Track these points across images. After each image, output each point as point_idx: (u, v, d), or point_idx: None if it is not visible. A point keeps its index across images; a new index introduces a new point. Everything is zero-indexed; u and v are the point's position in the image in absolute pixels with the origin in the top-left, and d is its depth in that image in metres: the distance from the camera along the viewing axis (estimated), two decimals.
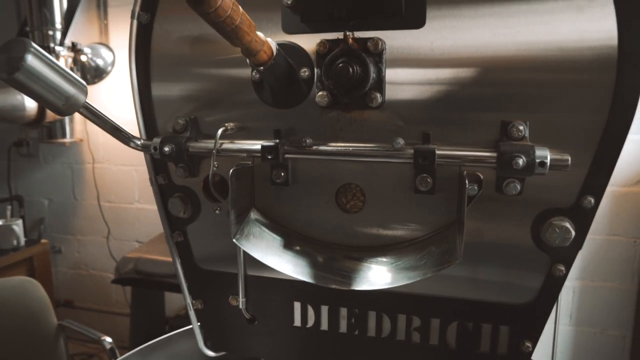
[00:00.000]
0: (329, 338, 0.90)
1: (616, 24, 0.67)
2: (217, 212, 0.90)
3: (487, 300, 0.81)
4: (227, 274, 0.93)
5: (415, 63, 0.75)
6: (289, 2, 0.78)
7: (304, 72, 0.79)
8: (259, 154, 0.80)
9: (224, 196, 0.87)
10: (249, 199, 0.87)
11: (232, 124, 0.84)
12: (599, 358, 2.70)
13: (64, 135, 3.11)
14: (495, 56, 0.72)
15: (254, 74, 0.81)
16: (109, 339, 1.82)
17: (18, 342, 1.89)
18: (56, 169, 3.47)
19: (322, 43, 0.76)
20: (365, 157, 0.78)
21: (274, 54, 0.73)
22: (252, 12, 0.78)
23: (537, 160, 0.69)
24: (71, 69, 3.01)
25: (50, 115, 2.85)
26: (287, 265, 0.82)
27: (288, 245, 0.85)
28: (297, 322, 0.91)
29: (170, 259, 0.98)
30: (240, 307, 0.93)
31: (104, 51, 3.05)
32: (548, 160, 0.69)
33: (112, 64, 3.06)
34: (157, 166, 0.92)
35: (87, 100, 0.74)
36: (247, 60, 0.72)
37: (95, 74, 3.02)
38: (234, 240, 0.81)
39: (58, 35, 2.94)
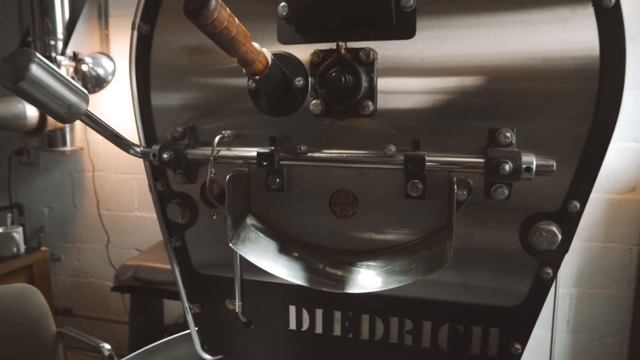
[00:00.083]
0: (324, 341, 0.92)
1: (597, 35, 0.70)
2: (214, 217, 0.93)
3: (477, 303, 0.83)
4: (224, 278, 0.95)
5: (405, 72, 0.77)
6: (284, 14, 0.81)
7: (299, 81, 0.81)
8: (255, 161, 0.82)
9: (221, 202, 0.89)
10: (245, 204, 0.89)
11: (229, 132, 0.87)
12: None
13: (64, 144, 3.13)
14: (483, 65, 0.74)
15: (250, 83, 0.83)
16: (107, 346, 1.83)
17: (17, 348, 1.90)
18: (56, 177, 3.48)
19: (316, 53, 0.79)
20: (357, 163, 0.80)
21: (269, 63, 0.75)
22: (249, 23, 0.80)
23: (524, 166, 0.71)
24: (72, 78, 3.04)
25: (51, 123, 2.88)
26: (282, 269, 0.84)
27: (283, 249, 0.87)
28: (293, 325, 0.93)
29: (169, 267, 1.00)
30: (237, 310, 0.95)
31: (104, 60, 3.08)
32: (534, 166, 0.71)
33: (113, 73, 3.09)
34: (156, 173, 0.95)
35: (88, 109, 0.76)
36: (243, 70, 0.75)
37: (96, 83, 3.05)
38: (230, 244, 0.83)
39: (60, 45, 2.98)
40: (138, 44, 0.90)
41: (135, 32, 0.90)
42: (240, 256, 0.90)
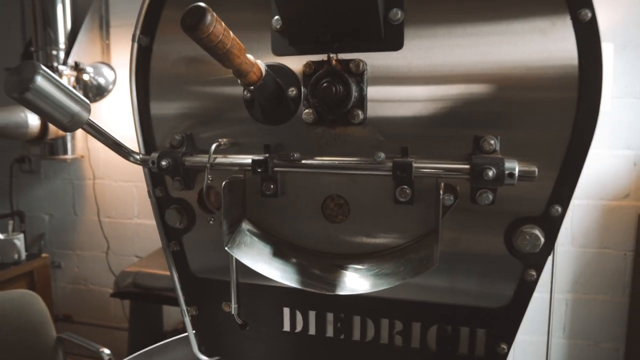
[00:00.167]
0: (317, 342, 0.95)
1: (576, 46, 0.73)
2: (211, 222, 0.96)
3: (464, 305, 0.86)
4: (221, 281, 0.97)
5: (394, 82, 0.81)
6: (278, 27, 0.84)
7: (292, 91, 0.85)
8: (250, 168, 0.85)
9: (217, 207, 0.92)
10: (241, 210, 0.92)
11: (225, 140, 0.90)
12: None
13: (65, 152, 3.17)
14: (468, 75, 0.78)
15: (245, 93, 0.86)
16: (107, 351, 1.85)
17: (18, 354, 1.92)
18: (57, 185, 3.52)
19: (308, 64, 0.82)
20: (348, 170, 0.84)
21: (263, 74, 0.79)
22: (245, 35, 0.84)
23: (507, 172, 0.74)
24: (74, 87, 3.09)
25: (52, 132, 2.92)
26: (276, 272, 0.87)
27: (277, 253, 0.90)
28: (287, 327, 0.96)
29: (168, 273, 1.02)
30: (233, 313, 0.97)
31: (105, 70, 3.13)
32: (516, 172, 0.74)
33: (114, 82, 3.13)
34: (155, 179, 0.98)
35: (90, 118, 0.79)
36: (239, 81, 0.78)
37: (97, 92, 3.10)
38: (226, 248, 0.86)
39: (62, 55, 3.02)
40: (138, 56, 0.94)
41: (136, 44, 0.93)
42: (236, 260, 0.92)
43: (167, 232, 0.99)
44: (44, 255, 3.13)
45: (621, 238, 2.57)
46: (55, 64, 2.99)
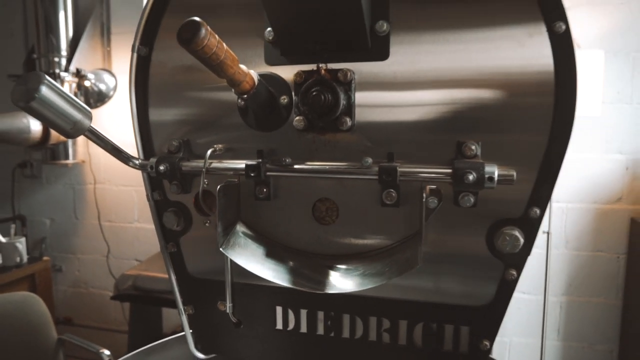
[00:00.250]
0: (308, 340, 0.98)
1: (552, 56, 0.77)
2: (207, 224, 0.99)
3: (449, 303, 0.89)
4: (216, 281, 1.01)
5: (380, 90, 0.85)
6: (270, 38, 0.88)
7: (284, 99, 0.89)
8: (244, 172, 0.89)
9: (213, 210, 0.96)
10: (235, 212, 0.96)
11: (220, 146, 0.94)
12: None
13: (66, 157, 3.21)
14: (451, 81, 0.81)
15: (239, 101, 0.90)
16: (107, 352, 1.89)
17: (19, 355, 1.95)
18: (58, 189, 3.56)
19: (299, 74, 0.86)
20: (337, 174, 0.87)
21: (256, 84, 0.83)
22: (240, 46, 0.89)
23: (487, 176, 0.77)
24: (75, 93, 3.13)
25: (54, 137, 2.96)
26: (269, 271, 0.91)
27: (270, 254, 0.94)
28: (279, 325, 0.99)
29: (167, 276, 1.06)
30: (228, 312, 1.01)
31: (106, 77, 3.18)
32: (496, 176, 0.77)
33: (114, 88, 3.18)
34: (154, 183, 1.01)
35: (91, 124, 0.84)
36: (232, 90, 0.82)
37: (98, 98, 3.14)
38: (221, 249, 0.90)
39: (63, 61, 3.07)
40: (137, 65, 0.98)
41: (135, 54, 0.97)
42: (231, 260, 0.96)
43: (165, 234, 1.03)
44: (45, 258, 3.17)
45: (614, 241, 2.61)
46: (57, 71, 3.04)
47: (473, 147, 0.81)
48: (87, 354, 2.05)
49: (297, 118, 0.87)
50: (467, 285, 0.88)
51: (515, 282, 0.86)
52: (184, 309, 1.06)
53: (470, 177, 0.77)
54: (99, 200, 3.43)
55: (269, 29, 0.88)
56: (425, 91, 0.83)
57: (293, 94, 0.88)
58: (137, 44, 0.97)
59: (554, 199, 2.61)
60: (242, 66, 0.79)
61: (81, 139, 3.23)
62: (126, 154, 0.94)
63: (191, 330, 1.07)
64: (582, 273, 2.68)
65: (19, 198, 3.61)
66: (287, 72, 0.89)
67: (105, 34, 3.21)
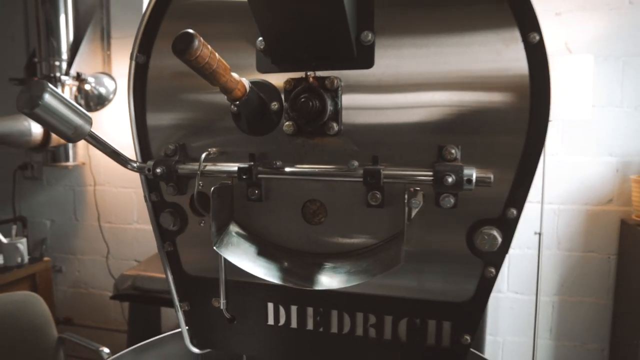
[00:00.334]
0: (298, 335, 1.02)
1: (527, 64, 0.82)
2: (201, 225, 1.04)
3: (431, 300, 0.93)
4: (210, 279, 1.05)
5: (365, 95, 0.89)
6: (262, 47, 0.93)
7: (274, 105, 0.93)
8: (237, 175, 0.93)
9: (207, 211, 1.01)
10: (229, 213, 1.00)
11: (214, 149, 0.98)
12: None
13: (67, 159, 3.26)
14: (433, 85, 0.85)
15: (232, 107, 0.95)
16: (106, 350, 1.93)
17: (21, 353, 2.00)
18: (59, 191, 3.60)
19: (288, 81, 0.90)
20: (325, 176, 0.91)
21: (247, 91, 0.87)
22: (234, 55, 0.94)
23: (465, 178, 0.82)
24: (76, 97, 3.18)
25: (54, 140, 3.00)
26: (260, 269, 0.95)
27: (261, 252, 0.98)
28: (271, 320, 1.04)
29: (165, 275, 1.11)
30: (222, 308, 1.05)
31: (106, 80, 3.22)
32: (474, 178, 0.82)
33: (114, 92, 3.22)
34: (151, 185, 1.05)
35: (91, 129, 0.88)
36: (225, 97, 0.87)
37: (98, 101, 3.19)
38: (214, 248, 0.94)
39: (64, 65, 3.12)
40: (136, 72, 1.02)
41: (133, 62, 1.02)
42: (224, 259, 1.00)
43: (162, 233, 1.07)
44: (45, 259, 3.21)
45: (605, 242, 2.66)
46: (58, 74, 3.09)
47: (453, 151, 0.85)
48: (87, 353, 2.09)
49: (287, 123, 0.92)
50: (449, 283, 0.92)
51: (494, 279, 0.90)
52: (179, 305, 1.10)
53: (450, 180, 0.82)
54: (99, 201, 3.48)
55: (260, 38, 0.92)
56: (407, 96, 0.87)
57: (283, 100, 0.92)
58: (135, 52, 1.02)
59: (546, 200, 2.66)
60: (234, 74, 0.83)
61: (81, 142, 3.27)
62: (125, 157, 0.98)
63: (187, 327, 1.11)
64: (574, 273, 2.72)
65: (19, 199, 3.65)
66: (278, 79, 0.93)
67: (105, 38, 3.26)
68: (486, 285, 0.91)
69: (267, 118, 0.94)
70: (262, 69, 0.94)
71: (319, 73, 0.90)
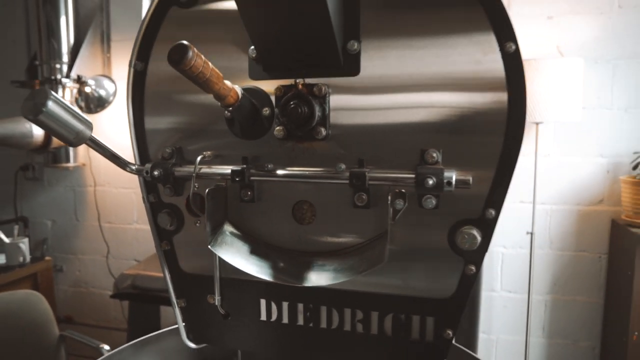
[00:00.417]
0: (290, 330, 1.07)
1: (504, 71, 0.86)
2: (197, 225, 1.08)
3: (415, 296, 0.98)
4: (206, 276, 1.09)
5: (352, 102, 0.94)
6: (254, 56, 0.97)
7: (266, 111, 0.97)
8: (230, 177, 0.97)
9: (202, 212, 1.05)
10: (223, 214, 1.05)
11: (209, 153, 1.03)
12: None
13: (67, 160, 3.30)
14: (416, 88, 0.89)
15: (226, 112, 0.99)
16: (106, 347, 1.98)
17: (23, 350, 2.04)
18: (59, 191, 3.65)
19: (279, 88, 0.95)
20: (314, 179, 0.96)
21: (240, 97, 0.91)
22: (228, 63, 0.98)
23: (445, 180, 0.86)
24: (76, 99, 3.23)
25: (55, 141, 3.05)
26: (253, 267, 1.00)
27: (254, 251, 1.02)
28: (263, 316, 1.08)
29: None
30: (217, 304, 1.10)
31: (106, 82, 3.27)
32: (453, 180, 0.86)
33: (114, 94, 3.27)
34: (149, 187, 1.10)
35: (92, 134, 0.93)
36: (219, 103, 0.91)
37: (98, 103, 3.23)
38: (209, 247, 0.99)
39: (65, 68, 3.16)
40: (134, 79, 1.06)
41: (132, 69, 1.07)
42: (219, 257, 1.05)
43: (159, 233, 1.11)
44: (47, 258, 3.26)
45: (596, 241, 2.70)
46: (58, 77, 3.14)
47: (434, 155, 0.90)
48: (87, 350, 2.14)
49: (278, 128, 0.96)
50: (432, 280, 0.96)
51: (474, 276, 0.95)
52: (176, 302, 1.14)
53: (430, 182, 0.86)
54: (99, 202, 3.53)
55: (252, 47, 0.97)
56: (391, 100, 0.91)
57: (274, 106, 0.97)
58: (133, 59, 1.06)
59: (538, 200, 2.70)
60: (227, 82, 0.88)
61: None
62: (123, 160, 1.02)
63: (183, 323, 1.16)
64: (566, 272, 2.77)
65: (21, 200, 3.70)
66: (269, 86, 0.98)
67: (105, 41, 3.30)
68: (467, 282, 0.95)
69: (259, 123, 0.99)
70: (254, 76, 0.99)
71: (308, 80, 0.94)
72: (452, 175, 0.86)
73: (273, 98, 0.97)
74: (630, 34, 2.52)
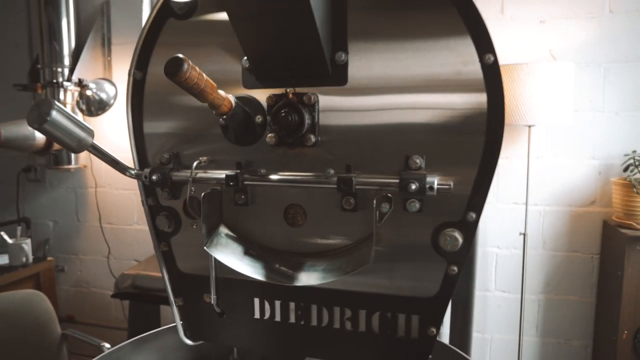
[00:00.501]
0: (282, 327, 1.12)
1: (484, 81, 0.91)
2: (194, 227, 1.12)
3: (401, 295, 1.02)
4: (202, 276, 1.14)
5: (340, 111, 0.99)
6: (247, 66, 1.02)
7: (258, 119, 1.02)
8: (225, 181, 1.03)
9: (198, 214, 1.10)
10: (218, 216, 1.09)
11: (204, 158, 1.07)
12: None
13: (69, 162, 3.35)
14: (400, 87, 0.93)
15: (220, 120, 1.05)
16: (107, 345, 2.02)
17: (26, 348, 2.09)
18: (61, 193, 3.70)
19: (270, 97, 0.99)
20: (305, 183, 1.00)
21: (233, 106, 0.96)
22: (224, 72, 1.03)
23: (427, 185, 0.91)
24: (77, 102, 3.27)
25: (57, 144, 3.10)
26: (247, 267, 1.04)
27: (248, 252, 1.07)
28: (257, 314, 1.13)
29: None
30: (212, 303, 1.14)
31: (107, 86, 3.32)
32: (435, 185, 0.91)
33: (115, 97, 3.32)
34: (148, 190, 1.14)
35: (93, 141, 0.97)
36: (213, 112, 0.96)
37: (99, 106, 3.28)
38: (205, 248, 1.03)
39: (66, 71, 3.21)
40: (133, 88, 1.11)
41: (131, 78, 1.12)
42: (214, 258, 1.10)
43: (158, 234, 1.16)
44: (49, 258, 3.31)
45: (588, 242, 2.75)
46: (60, 80, 3.19)
47: (417, 161, 0.94)
48: (89, 349, 2.18)
49: (270, 135, 1.01)
50: (416, 280, 1.01)
51: (456, 276, 0.99)
52: (174, 301, 1.19)
53: (413, 187, 0.91)
54: (100, 203, 3.58)
55: (245, 58, 1.02)
56: (378, 103, 0.95)
57: (266, 114, 1.02)
58: (132, 69, 1.11)
59: (532, 202, 2.75)
60: (221, 91, 0.92)
61: None
62: (123, 165, 1.07)
63: (181, 321, 1.21)
64: (559, 272, 2.82)
65: (23, 201, 3.75)
66: (262, 95, 1.02)
67: (106, 45, 3.35)
68: (449, 282, 1.00)
69: (252, 130, 1.03)
70: (247, 85, 1.04)
71: (299, 89, 0.99)
72: (434, 181, 0.91)
73: (266, 106, 1.02)
74: (621, 38, 2.56)
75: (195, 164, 1.05)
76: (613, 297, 2.48)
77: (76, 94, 3.23)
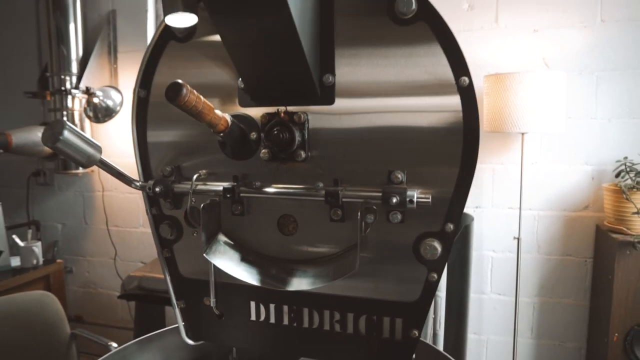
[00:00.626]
0: (277, 329, 1.19)
1: (460, 101, 0.98)
2: (194, 235, 1.20)
3: (385, 299, 1.09)
4: (202, 280, 1.21)
5: (327, 129, 1.06)
6: (242, 86, 1.10)
7: (253, 135, 1.09)
8: (222, 193, 1.11)
9: (198, 223, 1.18)
10: (217, 225, 1.17)
11: (204, 171, 1.15)
12: None
13: (77, 167, 3.44)
14: (384, 115, 1.01)
15: (218, 137, 1.12)
16: (114, 344, 2.11)
17: (37, 347, 2.18)
18: (69, 196, 3.79)
19: (264, 115, 1.07)
20: (296, 196, 1.07)
21: (229, 124, 1.04)
22: (221, 92, 1.11)
23: (408, 199, 0.98)
24: (85, 109, 3.37)
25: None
26: (243, 273, 1.12)
27: (244, 259, 1.14)
28: (253, 317, 1.20)
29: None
30: (212, 306, 1.22)
31: (113, 93, 3.40)
32: (415, 199, 0.98)
33: (121, 104, 3.40)
34: (151, 201, 1.23)
35: (101, 156, 1.06)
36: (211, 130, 1.04)
37: (105, 113, 3.37)
38: (204, 255, 1.11)
39: (74, 79, 3.31)
40: (138, 105, 1.19)
41: (136, 97, 1.20)
42: (213, 264, 1.18)
43: (161, 242, 1.24)
44: (58, 260, 3.40)
45: (581, 246, 2.81)
46: (68, 87, 3.28)
47: (399, 176, 1.02)
48: (97, 348, 2.27)
49: (263, 151, 1.08)
50: (399, 285, 1.07)
51: (436, 282, 1.06)
52: (176, 303, 1.27)
53: (394, 200, 0.98)
54: (107, 206, 3.67)
55: (240, 79, 1.10)
56: (363, 127, 1.03)
57: (260, 131, 1.09)
58: (137, 87, 1.19)
59: (526, 207, 2.81)
60: (217, 111, 1.00)
61: None
62: (128, 177, 1.15)
63: (183, 322, 1.29)
64: (554, 276, 2.88)
65: (33, 204, 3.85)
66: (256, 113, 1.09)
67: (112, 53, 3.44)
68: (430, 288, 1.07)
69: (248, 146, 1.11)
70: (242, 104, 1.12)
71: (290, 108, 1.07)
72: (414, 194, 0.99)
73: (260, 123, 1.10)
74: (612, 46, 2.62)
75: (195, 176, 1.13)
76: (605, 301, 2.54)
77: (84, 101, 3.32)
